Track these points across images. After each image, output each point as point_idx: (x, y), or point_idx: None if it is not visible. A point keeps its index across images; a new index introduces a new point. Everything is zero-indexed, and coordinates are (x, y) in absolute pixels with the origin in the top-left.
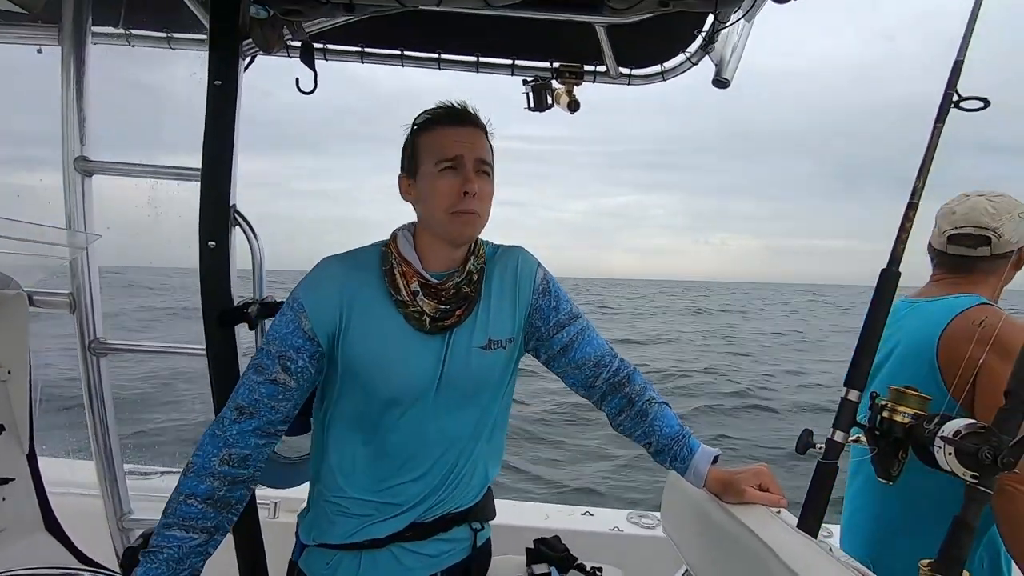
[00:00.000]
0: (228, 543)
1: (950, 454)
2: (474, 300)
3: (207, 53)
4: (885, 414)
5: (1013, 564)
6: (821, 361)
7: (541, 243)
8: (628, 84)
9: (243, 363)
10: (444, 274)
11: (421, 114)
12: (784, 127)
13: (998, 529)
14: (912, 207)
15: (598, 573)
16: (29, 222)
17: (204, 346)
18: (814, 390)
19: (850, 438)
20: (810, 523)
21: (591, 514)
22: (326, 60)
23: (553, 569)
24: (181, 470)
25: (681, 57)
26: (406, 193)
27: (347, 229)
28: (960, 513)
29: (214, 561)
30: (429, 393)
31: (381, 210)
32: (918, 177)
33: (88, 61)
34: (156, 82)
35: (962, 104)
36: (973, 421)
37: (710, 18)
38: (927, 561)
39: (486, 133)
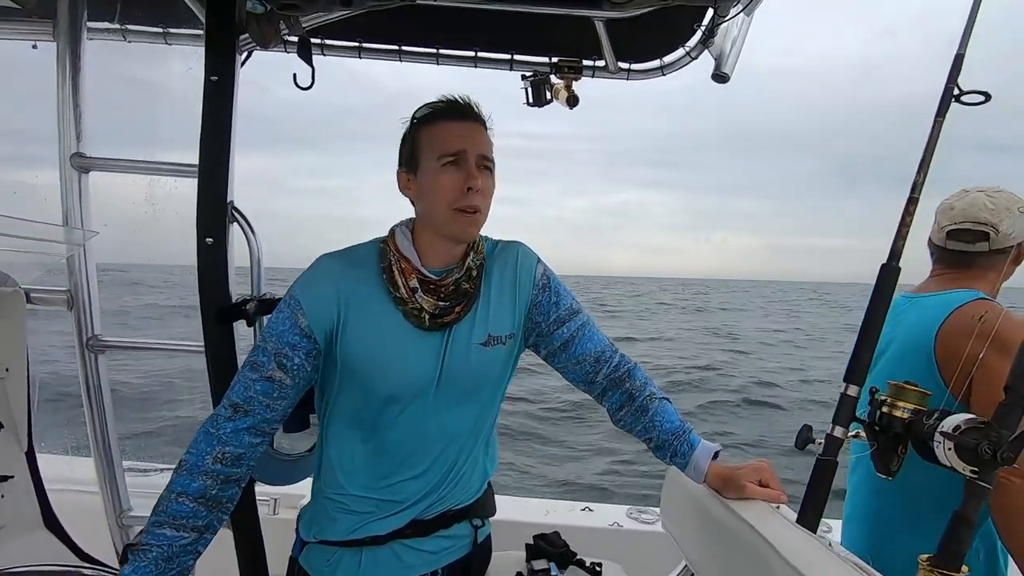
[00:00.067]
0: (228, 539)
1: (949, 449)
2: (474, 296)
3: (203, 48)
4: (884, 409)
5: (1009, 556)
6: (823, 358)
7: (541, 241)
8: (627, 79)
9: (242, 360)
10: (443, 270)
11: (421, 107)
12: (785, 126)
13: (992, 520)
14: (912, 202)
15: (598, 569)
16: (26, 219)
17: (203, 343)
18: (815, 386)
19: (849, 433)
20: (810, 518)
21: (591, 510)
22: (323, 55)
23: (553, 565)
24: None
25: (680, 51)
26: (405, 188)
27: (347, 228)
28: (959, 508)
29: (214, 558)
30: (429, 390)
31: (382, 209)
32: (918, 172)
33: (84, 57)
34: (152, 78)
35: (963, 98)
36: (972, 416)
37: (709, 12)
38: (926, 556)
39: (486, 128)
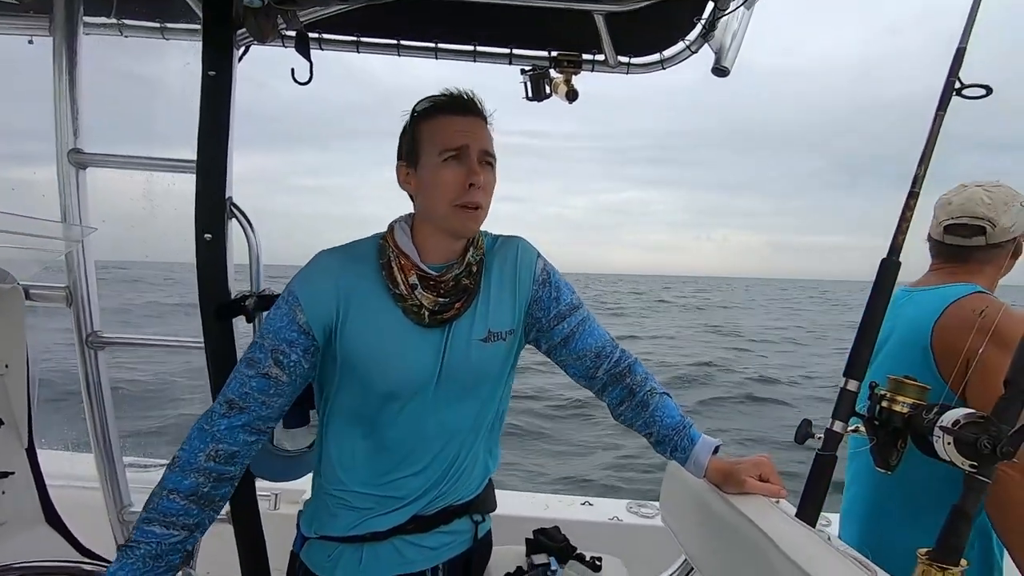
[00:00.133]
0: (229, 534)
1: (949, 444)
2: (473, 292)
3: (200, 43)
4: (884, 404)
5: (1004, 549)
6: (825, 355)
7: (542, 239)
8: (627, 73)
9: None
10: (443, 266)
11: (422, 100)
12: (786, 125)
13: (987, 513)
14: (913, 196)
15: (597, 563)
16: (24, 215)
17: (202, 339)
18: (817, 381)
19: (849, 428)
20: (809, 513)
21: (591, 504)
22: (321, 50)
23: (553, 559)
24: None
25: (680, 45)
26: (405, 182)
27: (347, 225)
28: (958, 502)
29: (216, 553)
30: (429, 387)
31: (382, 207)
32: (919, 166)
33: (80, 52)
34: (150, 74)
35: (964, 92)
36: (972, 411)
37: (709, 5)
38: (925, 550)
39: (487, 122)
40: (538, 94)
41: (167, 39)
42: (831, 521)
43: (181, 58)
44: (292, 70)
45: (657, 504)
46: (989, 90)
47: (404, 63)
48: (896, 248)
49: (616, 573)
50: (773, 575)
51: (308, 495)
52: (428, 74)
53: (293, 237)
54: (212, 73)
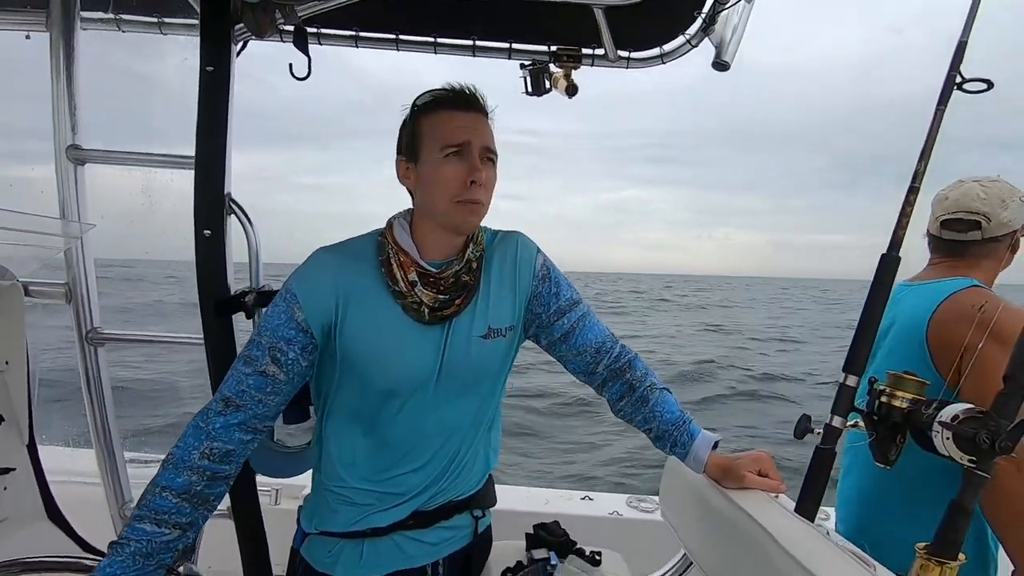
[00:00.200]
0: (230, 530)
1: (948, 439)
2: (473, 288)
3: (198, 38)
4: (883, 399)
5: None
6: (826, 353)
7: (542, 237)
8: (627, 67)
9: None
10: (443, 263)
11: (423, 94)
12: (787, 125)
13: (979, 503)
14: (913, 191)
15: (597, 557)
16: (22, 212)
17: (202, 336)
18: (818, 378)
19: (848, 423)
20: (808, 507)
21: (590, 499)
22: (320, 45)
23: (552, 554)
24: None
25: (681, 39)
26: (404, 177)
27: (346, 224)
28: (957, 497)
29: (217, 548)
30: (429, 384)
31: (382, 205)
32: (920, 161)
33: (78, 47)
34: (149, 70)
35: (965, 86)
36: (971, 406)
37: None
38: (923, 544)
39: (488, 118)
40: (538, 89)
41: (165, 34)
42: (830, 515)
43: (179, 54)
44: (290, 65)
45: (657, 498)
46: (990, 84)
47: (404, 63)
48: (896, 243)
49: (616, 567)
50: (772, 570)
51: (309, 491)
52: (429, 73)
53: (293, 236)
54: (210, 68)
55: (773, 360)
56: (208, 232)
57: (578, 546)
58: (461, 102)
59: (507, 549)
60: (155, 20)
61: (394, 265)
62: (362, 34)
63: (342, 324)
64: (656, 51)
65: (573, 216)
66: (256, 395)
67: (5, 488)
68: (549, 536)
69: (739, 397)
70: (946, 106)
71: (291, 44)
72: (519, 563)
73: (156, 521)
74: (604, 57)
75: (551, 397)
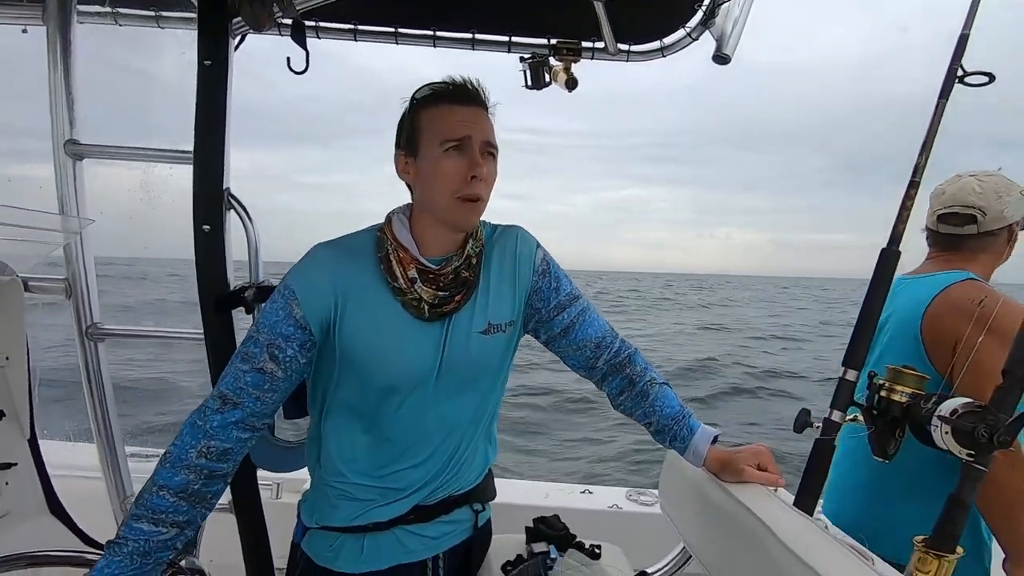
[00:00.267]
0: (232, 524)
1: (947, 433)
2: (473, 284)
3: (196, 32)
4: (883, 393)
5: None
6: (827, 351)
7: (543, 236)
8: (627, 60)
9: None
10: (442, 259)
11: (423, 87)
12: (787, 124)
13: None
14: (914, 185)
15: (597, 550)
16: (21, 207)
17: (202, 332)
18: (818, 376)
19: (847, 417)
20: (806, 501)
21: (590, 492)
22: (318, 38)
23: (552, 547)
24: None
25: (681, 32)
26: (403, 172)
27: (347, 222)
28: (955, 491)
29: (218, 542)
30: (429, 381)
31: (382, 204)
32: (920, 154)
33: (75, 41)
34: (146, 64)
35: (966, 79)
36: (970, 400)
37: None
38: (921, 537)
39: (489, 112)
40: (537, 82)
41: (162, 28)
42: None
43: (176, 48)
44: (288, 59)
45: (656, 492)
46: (991, 77)
47: (405, 62)
48: (896, 237)
49: (615, 561)
50: (771, 563)
51: (309, 485)
52: (429, 69)
53: (293, 236)
54: (208, 63)
55: (776, 358)
56: (207, 227)
57: (578, 539)
58: (461, 95)
59: (507, 542)
60: (152, 14)
61: (393, 262)
62: (360, 27)
63: (341, 321)
64: (656, 44)
65: (574, 215)
66: (254, 392)
67: (7, 483)
68: (549, 529)
69: (741, 394)
70: (947, 99)
71: (289, 38)
72: (519, 556)
73: (154, 520)
74: (604, 50)
75: (555, 394)
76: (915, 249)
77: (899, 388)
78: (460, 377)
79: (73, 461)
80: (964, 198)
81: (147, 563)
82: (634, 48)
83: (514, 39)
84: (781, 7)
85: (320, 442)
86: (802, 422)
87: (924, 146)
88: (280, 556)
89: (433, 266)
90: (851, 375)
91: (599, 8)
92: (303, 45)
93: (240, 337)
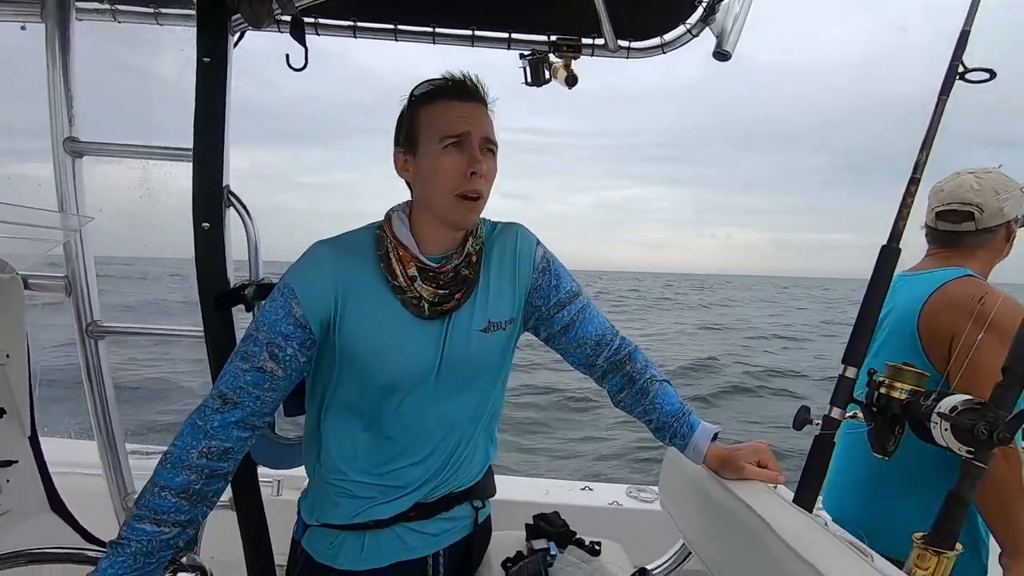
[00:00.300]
0: (232, 520)
1: (946, 430)
2: (473, 282)
3: (195, 29)
4: (882, 390)
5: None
6: (827, 349)
7: (544, 236)
8: (627, 57)
9: None
10: (442, 257)
11: (421, 84)
12: (788, 124)
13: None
14: (914, 182)
15: (597, 547)
16: (21, 205)
17: (202, 329)
18: (818, 374)
19: (847, 414)
20: (806, 498)
21: (590, 489)
22: (317, 35)
23: (552, 544)
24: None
25: (681, 29)
26: (402, 169)
27: (347, 222)
28: (954, 488)
29: (219, 539)
30: (429, 379)
31: (383, 203)
32: (921, 151)
33: (73, 38)
34: (144, 62)
35: (967, 76)
36: (970, 397)
37: None
38: (920, 534)
39: (488, 108)
40: (537, 79)
41: (161, 24)
42: None
43: (175, 45)
44: (287, 56)
45: (656, 489)
46: (992, 74)
47: (406, 63)
48: (896, 234)
49: (615, 557)
50: (770, 560)
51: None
52: (430, 68)
53: (294, 235)
54: (207, 60)
55: (776, 357)
56: (207, 225)
57: (578, 536)
58: (460, 91)
59: (507, 539)
60: (151, 11)
61: (393, 260)
62: (360, 24)
63: (341, 320)
64: (657, 40)
65: (574, 215)
66: (254, 392)
67: (8, 480)
68: (549, 526)
69: (741, 393)
70: (948, 96)
71: (288, 35)
72: (519, 553)
73: (156, 521)
74: (604, 47)
75: (557, 393)
76: (915, 247)
77: (899, 385)
78: (460, 375)
79: (75, 458)
80: (962, 195)
81: (150, 562)
82: (634, 45)
83: (514, 36)
84: (782, 5)
85: (320, 440)
86: (802, 419)
87: (925, 143)
88: (281, 553)
89: (433, 264)
90: (851, 372)
91: (599, 4)
92: (302, 42)
93: (240, 335)
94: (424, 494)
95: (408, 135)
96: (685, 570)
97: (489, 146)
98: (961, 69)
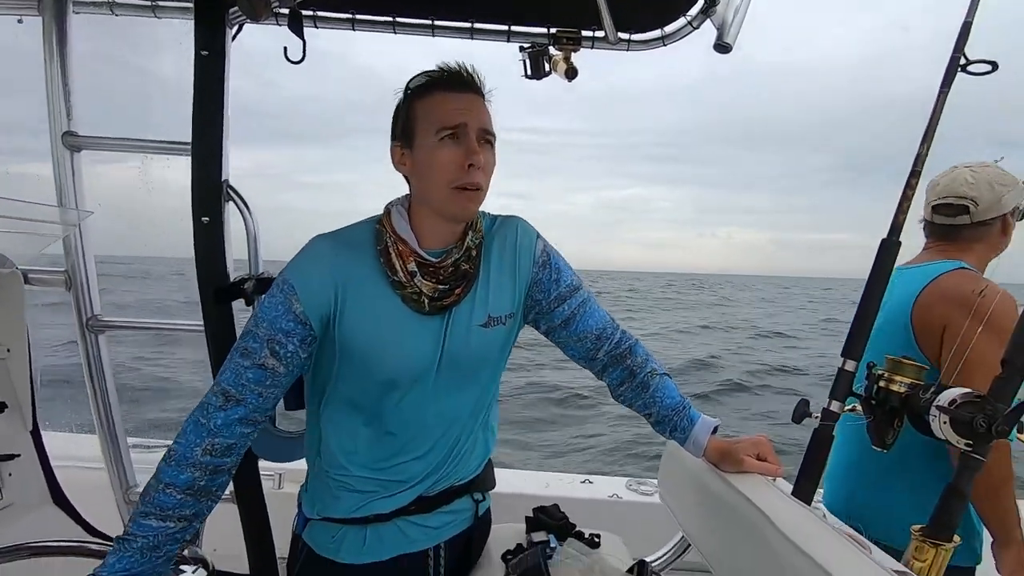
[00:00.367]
0: (234, 514)
1: (945, 423)
2: (473, 277)
3: (192, 22)
4: (881, 383)
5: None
6: (827, 347)
7: (546, 236)
8: (627, 50)
9: None
10: (442, 251)
11: (416, 76)
12: (789, 123)
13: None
14: (915, 175)
15: (596, 540)
16: (20, 200)
17: (202, 324)
18: (823, 370)
19: (846, 407)
20: (805, 490)
21: (590, 482)
22: (316, 28)
23: (552, 536)
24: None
25: (682, 21)
26: (400, 164)
27: (348, 220)
28: (953, 481)
29: (221, 532)
30: (429, 375)
31: (383, 202)
32: (922, 144)
33: (71, 32)
34: (142, 56)
35: (969, 68)
36: (969, 390)
37: None
38: (918, 527)
39: (485, 99)
40: (537, 72)
41: (159, 17)
42: None
43: (173, 38)
44: (285, 48)
45: (656, 481)
46: (995, 65)
47: (404, 62)
48: (896, 228)
49: (615, 550)
50: (769, 552)
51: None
52: (427, 62)
53: (294, 235)
54: (205, 53)
55: (777, 355)
56: (206, 219)
57: (577, 529)
58: (456, 82)
59: (507, 532)
60: (148, 3)
61: (393, 255)
62: (358, 17)
63: (340, 315)
64: (657, 33)
65: (575, 214)
66: (255, 388)
67: (10, 474)
68: (548, 519)
69: (742, 391)
70: (949, 88)
71: (287, 28)
72: (519, 545)
73: (161, 516)
74: (604, 39)
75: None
76: (915, 247)
77: (898, 378)
78: (460, 371)
79: (76, 452)
80: (956, 189)
81: (157, 556)
82: (635, 37)
83: (513, 28)
84: (783, 3)
85: (320, 435)
86: (801, 412)
87: (926, 136)
88: (282, 546)
89: (433, 259)
90: (850, 365)
91: None
92: (300, 35)
93: (240, 328)
94: (426, 488)
95: (404, 128)
96: (684, 562)
97: (487, 137)
98: (963, 61)
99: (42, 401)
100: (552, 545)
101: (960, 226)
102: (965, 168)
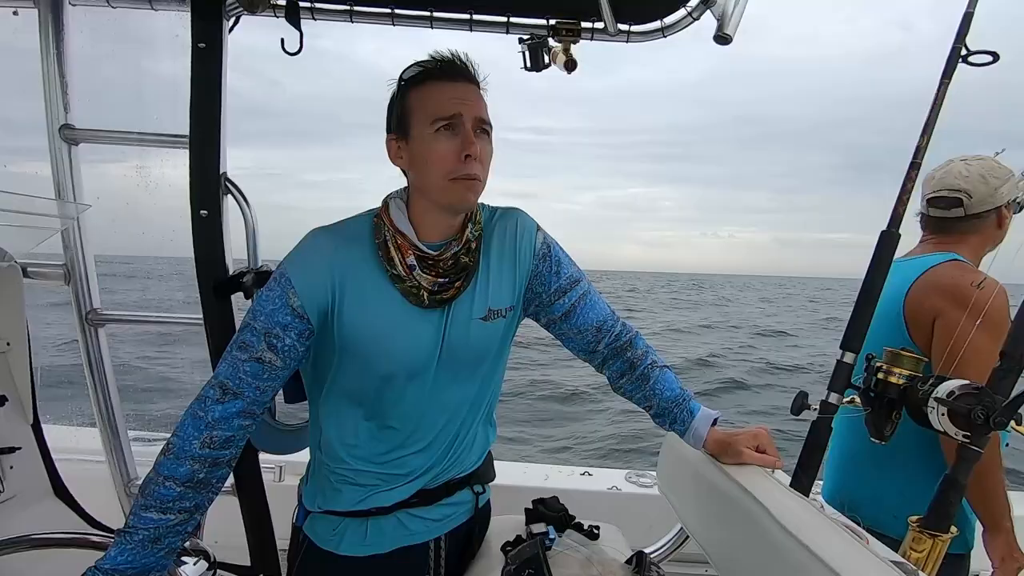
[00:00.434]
0: (235, 506)
1: (943, 415)
2: (473, 270)
3: (189, 14)
4: (880, 375)
5: None
6: (826, 346)
7: (552, 234)
8: (627, 41)
9: None
10: (441, 244)
11: (410, 67)
12: (792, 122)
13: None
14: (915, 167)
15: (595, 531)
16: (18, 193)
17: (201, 316)
18: (823, 369)
19: (844, 399)
20: (803, 482)
21: (590, 474)
22: (313, 20)
23: (551, 528)
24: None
25: (682, 12)
26: (396, 156)
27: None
28: (950, 472)
29: (222, 525)
30: (429, 369)
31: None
32: (922, 135)
33: (67, 24)
34: (138, 47)
35: (971, 59)
36: (967, 382)
37: None
38: (916, 517)
39: (481, 88)
40: (536, 64)
41: (155, 10)
42: None
43: (170, 30)
44: (282, 40)
45: (655, 473)
46: (996, 56)
47: (404, 62)
48: (896, 220)
49: (613, 541)
50: (767, 543)
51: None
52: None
53: (299, 232)
54: (202, 45)
55: (778, 354)
56: (204, 212)
57: (576, 520)
58: (450, 72)
59: (506, 524)
60: None
61: (391, 248)
62: (356, 8)
63: (339, 309)
64: (657, 24)
65: (580, 213)
66: (253, 382)
67: (12, 467)
68: (548, 511)
69: (743, 389)
70: (951, 80)
71: (284, 19)
72: (518, 537)
73: (162, 509)
74: (604, 31)
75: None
76: (916, 240)
77: (896, 370)
78: (460, 364)
79: (78, 445)
80: (950, 182)
81: (159, 548)
82: (634, 28)
83: (512, 19)
84: (784, 1)
85: (320, 428)
86: (800, 404)
87: (926, 128)
88: (283, 538)
89: (432, 252)
90: (849, 357)
91: None
92: (297, 26)
93: (239, 322)
94: (427, 481)
95: (400, 120)
96: (682, 553)
97: (483, 126)
98: (964, 52)
99: (45, 399)
100: (551, 536)
101: (954, 219)
102: (960, 161)
